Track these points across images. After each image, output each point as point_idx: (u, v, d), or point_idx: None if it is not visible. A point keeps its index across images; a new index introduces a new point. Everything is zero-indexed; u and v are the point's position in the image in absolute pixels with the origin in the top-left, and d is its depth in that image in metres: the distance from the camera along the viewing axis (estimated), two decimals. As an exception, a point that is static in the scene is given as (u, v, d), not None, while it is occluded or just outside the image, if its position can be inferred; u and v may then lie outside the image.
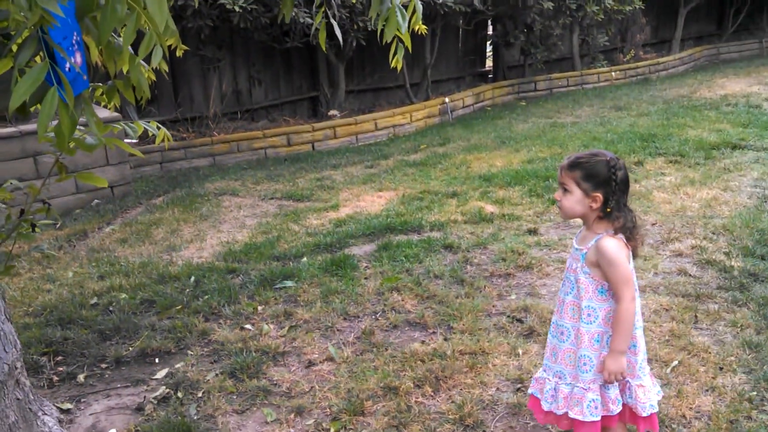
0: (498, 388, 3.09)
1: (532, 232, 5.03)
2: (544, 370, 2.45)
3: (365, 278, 4.35)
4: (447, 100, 10.75)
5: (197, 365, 3.44)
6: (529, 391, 2.53)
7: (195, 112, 9.14)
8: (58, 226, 6.02)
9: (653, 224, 4.98)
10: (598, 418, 2.30)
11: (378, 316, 3.84)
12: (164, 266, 4.78)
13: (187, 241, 5.42)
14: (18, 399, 2.80)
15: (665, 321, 3.57)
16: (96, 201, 6.79)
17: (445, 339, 3.53)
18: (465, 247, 4.76)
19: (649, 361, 3.16)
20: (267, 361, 3.42)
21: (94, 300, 4.25)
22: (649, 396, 2.33)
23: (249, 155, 8.71)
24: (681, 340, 3.36)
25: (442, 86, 11.73)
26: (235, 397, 3.15)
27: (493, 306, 3.88)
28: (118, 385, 3.33)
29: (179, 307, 4.07)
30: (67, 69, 2.11)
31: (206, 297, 4.17)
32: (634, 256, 2.33)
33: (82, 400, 3.22)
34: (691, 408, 2.85)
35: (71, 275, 4.74)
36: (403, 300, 3.99)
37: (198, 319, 3.90)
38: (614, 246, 2.22)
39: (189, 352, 3.58)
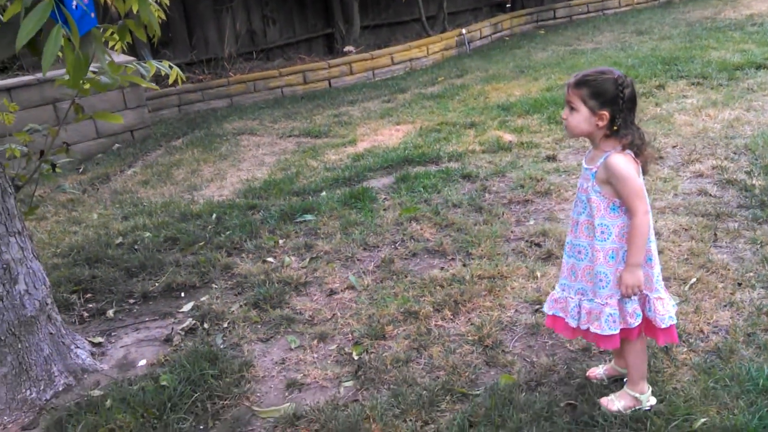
0: (516, 310, 3.13)
1: (551, 158, 5.01)
2: (563, 290, 2.47)
3: (384, 210, 4.38)
4: (464, 31, 10.58)
5: (222, 298, 3.52)
6: (548, 311, 2.54)
7: (210, 54, 9.09)
8: (81, 170, 6.11)
9: (674, 146, 4.92)
10: (617, 332, 2.32)
11: (397, 245, 3.89)
12: (186, 205, 4.85)
13: (208, 180, 5.47)
14: (51, 333, 2.91)
15: (684, 240, 3.57)
16: (117, 145, 6.85)
17: (464, 265, 3.57)
18: (483, 176, 4.77)
19: (666, 278, 3.19)
20: (289, 292, 3.49)
21: (119, 239, 4.33)
22: (667, 308, 2.35)
23: (266, 95, 8.68)
24: (700, 258, 3.36)
25: (459, 18, 11.51)
26: (259, 326, 3.23)
27: (512, 232, 3.90)
28: (146, 319, 3.42)
29: (202, 243, 4.14)
30: (73, 7, 2.12)
31: (228, 233, 4.23)
32: (644, 172, 2.31)
33: (113, 333, 3.32)
34: (708, 323, 2.87)
35: (96, 217, 4.83)
36: (421, 229, 4.03)
37: (221, 254, 3.97)
38: (623, 161, 2.21)
39: (213, 285, 3.66)
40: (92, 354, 3.11)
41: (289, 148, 6.19)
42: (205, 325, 3.28)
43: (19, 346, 2.76)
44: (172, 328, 3.28)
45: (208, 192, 5.19)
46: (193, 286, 3.68)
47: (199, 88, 8.38)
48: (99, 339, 3.26)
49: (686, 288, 3.13)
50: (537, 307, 3.12)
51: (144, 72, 3.04)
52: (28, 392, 2.80)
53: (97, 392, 2.81)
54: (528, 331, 2.96)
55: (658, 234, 3.65)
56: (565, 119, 2.30)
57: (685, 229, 3.68)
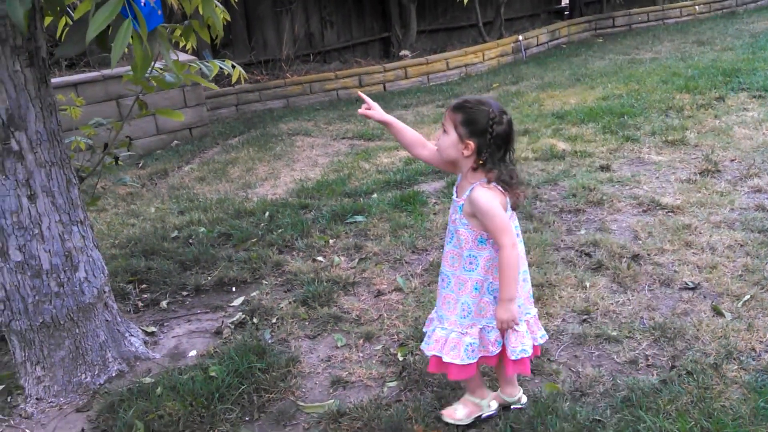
0: (564, 319, 3.12)
1: (605, 168, 4.95)
2: (435, 312, 2.47)
3: (434, 214, 4.40)
4: (521, 38, 10.53)
5: (271, 294, 3.59)
6: (424, 329, 2.54)
7: (268, 55, 9.25)
8: (140, 165, 6.28)
9: (732, 160, 4.82)
10: (474, 361, 2.33)
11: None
12: (240, 202, 4.95)
13: (262, 178, 5.57)
14: (107, 321, 3.01)
15: (739, 256, 3.50)
16: (175, 142, 7.02)
17: (512, 272, 3.56)
18: (535, 184, 4.74)
19: (719, 294, 3.14)
20: (338, 291, 3.54)
21: (175, 233, 4.45)
22: (521, 341, 2.32)
23: (321, 96, 8.79)
24: (755, 275, 3.29)
25: (516, 24, 11.47)
26: (307, 323, 3.28)
27: (562, 240, 3.88)
28: (198, 311, 3.51)
29: (254, 240, 4.23)
30: (142, 4, 2.20)
31: (280, 231, 4.31)
32: (513, 207, 2.27)
33: (165, 324, 3.42)
34: (761, 341, 2.81)
35: (153, 210, 4.97)
36: (471, 234, 4.03)
37: (272, 251, 4.05)
38: (486, 195, 2.16)
39: (264, 281, 3.73)
40: (145, 342, 3.21)
41: (343, 149, 6.26)
42: (255, 320, 3.35)
43: (77, 331, 2.86)
44: (223, 321, 3.36)
45: (262, 190, 5.28)
46: (244, 282, 3.76)
47: (256, 89, 8.53)
48: (152, 328, 3.36)
49: (739, 305, 3.07)
50: (585, 317, 3.10)
51: (207, 71, 3.12)
52: (83, 376, 2.91)
53: (148, 379, 2.89)
54: (574, 341, 2.95)
55: (712, 248, 3.59)
56: (437, 140, 2.28)
57: (741, 245, 3.61)
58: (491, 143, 2.15)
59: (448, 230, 2.35)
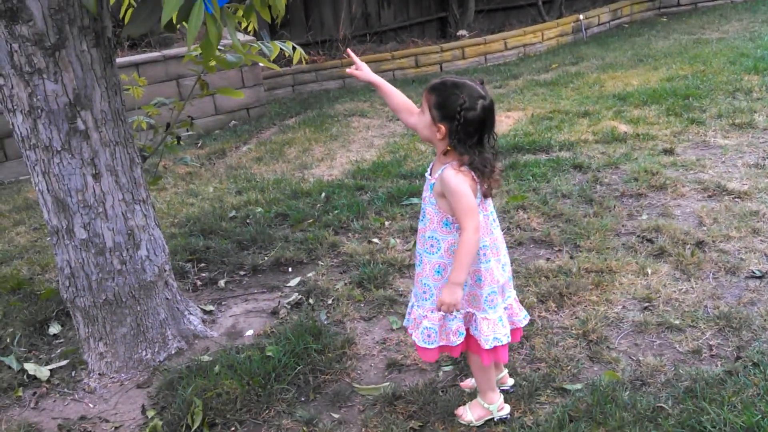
0: (624, 306, 3.05)
1: (668, 152, 4.81)
2: (413, 289, 2.44)
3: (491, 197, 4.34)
4: (581, 17, 10.28)
5: (327, 275, 3.60)
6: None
7: (325, 35, 9.25)
8: (199, 145, 6.37)
9: (804, 145, 4.64)
10: (432, 347, 2.28)
11: (503, 232, 3.84)
12: (296, 183, 4.98)
13: (318, 159, 5.59)
14: (167, 299, 3.06)
15: (811, 245, 3.36)
16: (233, 122, 7.10)
17: (571, 257, 3.50)
18: (595, 167, 4.64)
19: (790, 284, 3.03)
20: (393, 273, 3.53)
21: (233, 213, 4.50)
22: (494, 329, 2.26)
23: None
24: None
25: (576, 3, 11.20)
26: (362, 305, 3.29)
27: (623, 226, 3.79)
28: (255, 291, 3.55)
29: (311, 220, 4.25)
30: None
31: (336, 212, 4.32)
32: (485, 195, 2.19)
33: (223, 303, 3.47)
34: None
35: (212, 190, 5.04)
36: (528, 218, 3.97)
37: (328, 232, 4.06)
38: (455, 177, 2.11)
39: (320, 262, 3.75)
40: (203, 321, 3.26)
41: (398, 131, 6.23)
42: (311, 301, 3.37)
43: (138, 308, 2.93)
44: (279, 302, 3.39)
45: (318, 171, 5.30)
46: (300, 262, 3.78)
47: (313, 69, 8.55)
48: (210, 307, 3.41)
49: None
50: (646, 304, 3.03)
51: (267, 52, 3.13)
52: (144, 353, 2.97)
53: (206, 358, 2.94)
54: (635, 329, 2.88)
55: (782, 236, 3.46)
56: (417, 118, 2.25)
57: (813, 233, 3.47)
58: (459, 129, 2.09)
59: (421, 208, 2.32)
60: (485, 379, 2.42)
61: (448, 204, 2.16)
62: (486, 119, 2.12)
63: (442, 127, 2.12)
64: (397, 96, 2.42)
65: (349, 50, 2.64)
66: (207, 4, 2.05)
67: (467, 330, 2.33)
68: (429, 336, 2.29)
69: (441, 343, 2.30)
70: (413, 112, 2.36)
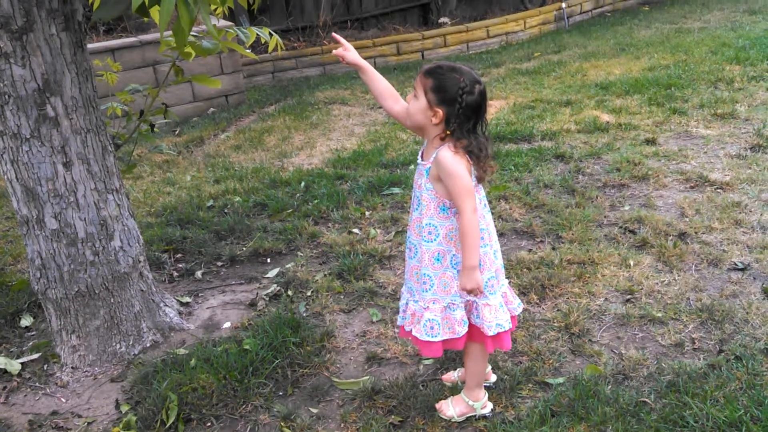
0: (606, 299, 3.02)
1: (651, 142, 4.79)
2: (404, 285, 2.39)
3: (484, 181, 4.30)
4: (564, 5, 10.25)
5: (306, 266, 3.54)
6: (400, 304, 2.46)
7: (306, 22, 9.13)
8: (176, 132, 6.27)
9: (785, 135, 4.63)
10: (435, 339, 2.22)
11: (485, 223, 3.81)
12: (276, 172, 4.90)
13: (298, 148, 5.52)
14: (142, 290, 2.99)
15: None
16: (211, 109, 6.99)
17: (553, 248, 3.47)
18: (577, 157, 4.61)
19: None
20: (373, 264, 3.48)
21: (210, 202, 4.42)
22: (496, 315, 2.23)
23: (358, 64, 8.66)
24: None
25: (559, -9, 11.16)
26: (342, 296, 3.23)
27: (605, 216, 3.76)
28: (233, 282, 3.48)
29: (290, 210, 4.18)
30: (180, -33, 2.12)
31: (315, 201, 4.25)
32: (479, 180, 2.17)
33: (200, 294, 3.40)
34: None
35: (189, 179, 4.95)
36: (510, 208, 3.93)
37: (307, 222, 4.00)
38: (452, 157, 2.07)
39: (299, 253, 3.69)
40: (179, 313, 3.19)
41: (380, 119, 6.16)
42: (289, 292, 3.31)
43: (112, 300, 2.85)
44: (257, 293, 3.33)
45: (298, 160, 5.23)
46: (279, 253, 3.72)
47: (293, 56, 8.45)
48: (187, 299, 3.34)
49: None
50: (628, 297, 3.00)
51: (244, 38, 3.05)
52: (118, 346, 2.90)
53: (182, 351, 2.87)
54: (617, 322, 2.85)
55: (763, 228, 3.46)
56: (408, 104, 2.20)
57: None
58: (460, 113, 2.06)
59: (414, 196, 2.27)
60: (478, 372, 2.38)
61: (444, 187, 2.12)
62: (482, 104, 2.10)
63: (440, 111, 2.08)
64: (381, 82, 2.36)
65: (334, 34, 2.58)
66: (179, -14, 1.97)
67: (468, 320, 2.28)
68: (432, 328, 2.22)
69: (445, 336, 2.23)
70: (398, 100, 2.30)
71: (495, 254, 2.28)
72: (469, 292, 2.13)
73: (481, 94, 2.09)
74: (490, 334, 2.23)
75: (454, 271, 2.20)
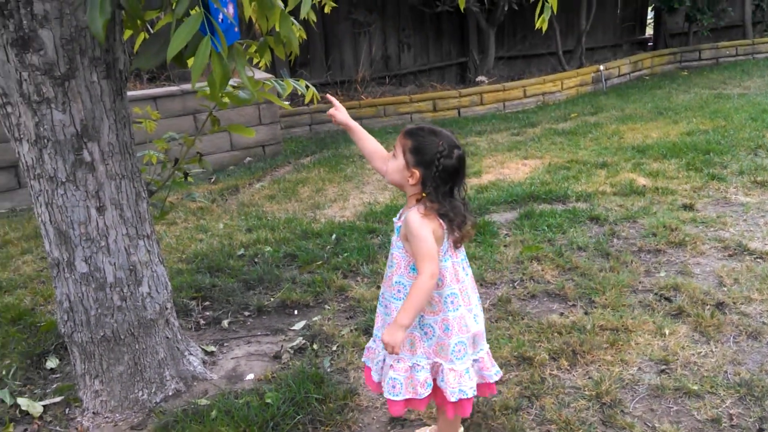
0: (640, 368, 2.92)
1: (688, 207, 4.71)
2: (374, 340, 2.36)
3: (504, 246, 4.25)
4: (602, 68, 10.28)
5: (333, 319, 3.50)
6: (363, 359, 2.44)
7: (344, 76, 9.28)
8: (213, 180, 6.34)
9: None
10: (397, 398, 2.19)
11: (516, 284, 3.75)
12: (308, 223, 4.91)
13: (331, 200, 5.53)
14: (167, 338, 2.97)
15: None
16: (248, 159, 7.07)
17: (586, 313, 3.38)
18: (612, 220, 4.54)
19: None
20: (401, 321, 3.42)
21: (242, 251, 4.43)
22: (460, 381, 2.18)
23: (395, 119, 8.75)
24: None
25: (597, 54, 11.23)
26: (368, 353, 3.18)
27: (640, 282, 3.67)
28: (259, 333, 3.45)
29: (320, 262, 4.16)
30: (220, 20, 2.16)
31: (346, 254, 4.23)
32: (456, 245, 2.16)
33: (225, 344, 3.37)
34: None
35: (222, 227, 4.97)
36: (543, 270, 3.87)
37: (337, 275, 3.97)
38: (419, 220, 2.07)
39: (326, 306, 3.65)
40: (204, 362, 3.16)
41: (413, 174, 6.16)
42: (315, 346, 3.26)
43: (137, 346, 2.83)
44: (282, 346, 3.29)
45: (330, 212, 5.24)
46: (306, 305, 3.69)
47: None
48: (212, 348, 3.31)
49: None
50: (663, 367, 2.90)
51: (280, 90, 3.08)
52: (140, 393, 2.87)
53: (204, 401, 2.83)
54: (651, 393, 2.75)
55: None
56: (387, 162, 2.20)
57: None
58: (436, 176, 2.07)
59: (390, 253, 2.27)
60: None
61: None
62: (459, 169, 2.11)
63: (416, 173, 2.10)
64: (370, 141, 2.40)
65: (327, 94, 2.62)
66: (215, 41, 2.00)
67: (434, 381, 2.24)
68: (394, 387, 2.20)
69: (407, 396, 2.21)
70: (385, 159, 2.31)
71: (475, 318, 2.25)
72: (385, 345, 2.08)
73: (460, 159, 2.10)
74: (452, 400, 2.19)
75: (421, 331, 2.19)
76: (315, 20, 3.13)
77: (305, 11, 2.25)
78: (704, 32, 11.34)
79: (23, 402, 2.92)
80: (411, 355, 2.20)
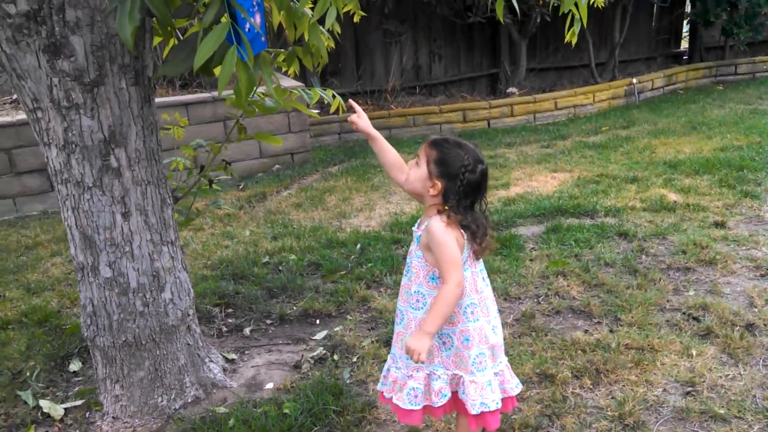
0: (665, 389, 2.86)
1: (720, 225, 4.62)
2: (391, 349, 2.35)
3: (530, 260, 4.21)
4: (635, 81, 10.16)
5: (355, 330, 3.49)
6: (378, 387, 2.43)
7: (375, 86, 9.29)
8: (241, 187, 6.38)
9: None
10: (418, 408, 2.17)
11: (540, 299, 3.70)
12: (333, 232, 4.90)
13: (357, 209, 5.53)
14: (188, 344, 2.98)
15: None
16: (277, 166, 7.11)
17: (611, 330, 3.33)
18: (641, 236, 4.47)
19: None
20: (423, 334, 3.39)
21: (266, 258, 4.44)
22: (482, 393, 2.15)
23: (424, 129, 8.73)
24: None
25: (630, 67, 11.11)
26: (388, 365, 3.15)
27: (668, 301, 3.61)
28: (280, 342, 3.45)
29: (343, 272, 4.15)
30: (246, 29, 2.17)
31: (370, 265, 4.22)
32: (477, 257, 2.16)
33: (246, 352, 3.37)
34: None
35: (248, 234, 4.99)
36: (568, 285, 3.82)
37: (360, 285, 3.96)
38: (442, 228, 2.07)
39: (348, 316, 3.64)
40: (224, 370, 3.16)
41: (441, 185, 6.13)
42: (335, 357, 3.25)
43: (158, 352, 2.85)
44: (303, 355, 3.28)
45: (356, 221, 5.23)
46: (328, 315, 3.68)
47: (360, 118, 8.55)
48: (233, 355, 3.32)
49: None
50: (689, 389, 2.83)
51: (307, 99, 3.09)
52: (160, 399, 2.88)
53: (222, 409, 2.83)
54: (676, 416, 2.69)
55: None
56: (409, 170, 2.20)
57: None
58: (459, 190, 2.08)
59: (407, 263, 2.26)
60: None
61: (433, 256, 2.11)
62: (482, 184, 2.12)
63: (438, 184, 2.10)
64: (390, 152, 2.37)
65: (350, 100, 2.61)
66: (241, 50, 2.01)
67: (455, 393, 2.22)
68: (416, 397, 2.19)
69: (425, 403, 2.20)
70: (404, 170, 2.30)
71: (494, 330, 2.23)
72: (409, 352, 2.05)
73: (483, 174, 2.11)
74: (473, 413, 2.16)
75: (439, 341, 2.18)
76: (339, 32, 3.13)
77: (330, 22, 2.26)
78: (741, 46, 11.16)
79: (45, 404, 2.95)
80: (429, 363, 2.20)
